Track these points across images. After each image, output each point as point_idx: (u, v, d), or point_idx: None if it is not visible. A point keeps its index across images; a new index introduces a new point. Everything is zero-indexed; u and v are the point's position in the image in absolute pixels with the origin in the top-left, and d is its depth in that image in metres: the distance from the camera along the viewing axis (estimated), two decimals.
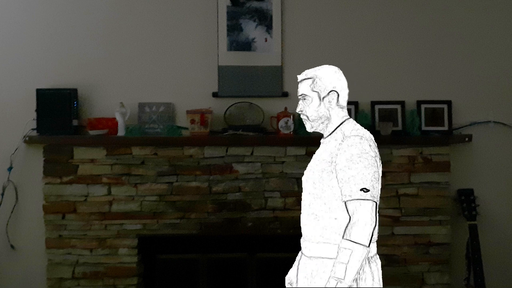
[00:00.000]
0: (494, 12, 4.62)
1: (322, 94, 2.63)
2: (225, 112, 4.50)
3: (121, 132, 4.41)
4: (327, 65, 2.73)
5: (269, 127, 4.45)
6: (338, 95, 2.63)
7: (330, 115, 2.61)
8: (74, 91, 4.43)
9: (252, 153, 4.38)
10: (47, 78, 4.49)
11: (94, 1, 4.55)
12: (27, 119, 4.44)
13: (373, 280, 2.52)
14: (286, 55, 4.56)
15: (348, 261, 2.36)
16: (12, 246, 4.51)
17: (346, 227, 2.40)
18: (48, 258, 4.39)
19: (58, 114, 4.37)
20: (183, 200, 4.39)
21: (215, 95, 4.53)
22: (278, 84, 4.53)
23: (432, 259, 4.44)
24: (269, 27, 4.55)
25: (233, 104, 4.51)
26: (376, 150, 2.53)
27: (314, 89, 2.64)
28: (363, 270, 2.47)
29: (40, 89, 4.39)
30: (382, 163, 4.35)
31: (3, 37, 4.53)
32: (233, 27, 4.54)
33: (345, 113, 2.65)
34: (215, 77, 4.53)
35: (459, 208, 4.50)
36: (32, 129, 4.45)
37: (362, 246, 2.38)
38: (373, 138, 2.56)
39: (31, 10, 4.53)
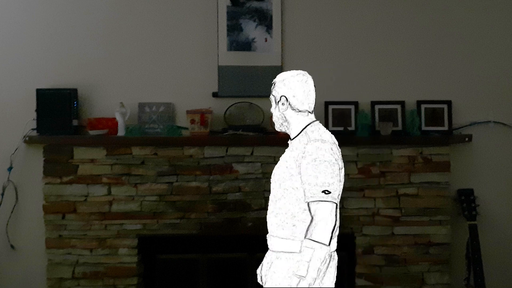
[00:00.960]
0: (494, 12, 4.63)
1: (276, 98, 2.77)
2: (225, 112, 4.50)
3: (121, 132, 4.41)
4: (293, 70, 2.81)
5: (269, 127, 4.45)
6: (288, 100, 2.73)
7: (286, 119, 2.75)
8: (74, 91, 4.43)
9: (252, 153, 4.39)
10: (47, 78, 4.49)
11: (94, 1, 4.55)
12: (27, 119, 4.44)
13: (330, 275, 2.66)
14: (286, 55, 4.56)
15: (310, 259, 2.47)
16: (12, 246, 4.51)
17: (309, 227, 2.53)
18: (48, 258, 4.39)
19: (58, 114, 4.37)
20: (183, 200, 4.39)
21: (215, 95, 4.53)
22: None
23: (432, 259, 4.44)
24: (269, 27, 4.55)
25: (233, 104, 4.51)
26: (339, 153, 2.67)
27: (272, 93, 2.79)
28: (328, 266, 2.59)
29: (40, 89, 4.39)
30: (382, 163, 4.39)
31: (3, 37, 4.53)
32: (233, 27, 4.55)
33: (307, 116, 2.74)
34: (215, 77, 4.53)
35: (459, 208, 4.50)
36: (32, 129, 4.45)
37: (323, 245, 2.49)
38: (336, 142, 2.70)
39: (31, 10, 4.53)
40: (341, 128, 4.49)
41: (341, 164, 2.68)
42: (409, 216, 4.44)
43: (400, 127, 4.53)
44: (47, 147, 4.37)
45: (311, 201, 2.54)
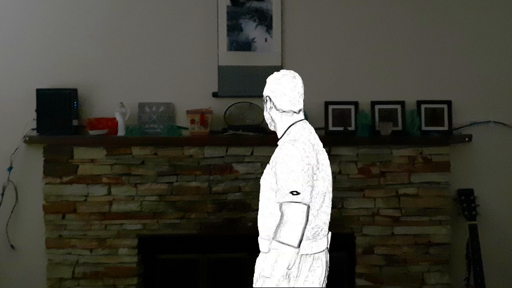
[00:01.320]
0: (494, 12, 4.63)
1: (264, 99, 2.81)
2: (225, 112, 4.50)
3: (121, 132, 4.41)
4: (282, 70, 2.86)
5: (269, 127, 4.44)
6: (271, 100, 2.76)
7: (273, 119, 2.78)
8: (74, 91, 4.43)
9: (252, 153, 4.39)
10: (47, 78, 4.49)
11: (94, 1, 4.55)
12: (27, 119, 4.44)
13: (314, 276, 2.68)
14: (286, 55, 4.56)
15: (276, 260, 2.48)
16: (12, 246, 4.51)
17: (276, 227, 2.52)
18: (48, 258, 4.39)
19: (58, 114, 4.37)
20: (183, 200, 4.39)
21: (215, 95, 4.53)
22: None
23: (432, 259, 4.44)
24: (269, 27, 4.55)
25: (233, 104, 4.51)
26: (313, 154, 2.63)
27: (263, 94, 2.83)
28: (299, 268, 2.60)
29: (40, 89, 4.39)
30: (382, 163, 4.38)
31: (3, 37, 4.53)
32: (233, 27, 4.54)
33: (291, 116, 2.77)
34: (215, 77, 4.53)
35: (459, 208, 4.50)
36: (32, 129, 4.45)
37: (289, 247, 2.47)
38: (315, 142, 2.70)
39: (31, 10, 4.53)
40: (341, 128, 4.50)
41: (325, 162, 2.71)
42: (409, 216, 4.44)
43: (400, 127, 4.52)
44: (47, 147, 4.37)
45: (281, 202, 2.52)
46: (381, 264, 4.45)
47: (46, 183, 4.37)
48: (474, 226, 4.40)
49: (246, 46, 4.56)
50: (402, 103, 4.56)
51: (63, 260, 4.38)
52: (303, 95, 2.84)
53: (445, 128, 4.54)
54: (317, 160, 2.63)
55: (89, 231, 4.38)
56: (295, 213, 2.49)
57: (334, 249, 4.48)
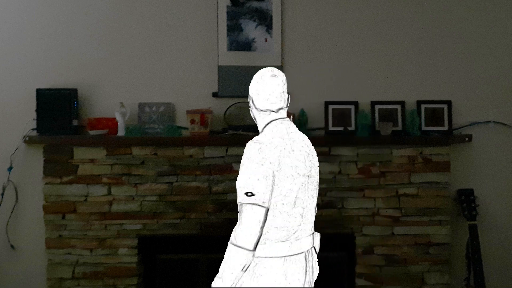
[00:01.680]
0: (494, 12, 4.63)
1: (248, 98, 2.80)
2: (225, 112, 4.50)
3: (121, 132, 4.41)
4: (261, 70, 2.81)
5: None
6: (252, 99, 2.76)
7: (255, 118, 2.79)
8: (74, 91, 4.43)
9: None
10: (47, 78, 4.49)
11: (94, 1, 4.55)
12: (27, 119, 4.44)
13: (287, 279, 2.59)
14: (286, 55, 4.57)
15: (225, 261, 2.50)
16: (12, 246, 4.51)
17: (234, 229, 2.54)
18: (48, 258, 4.39)
19: (58, 114, 4.37)
20: (183, 200, 4.39)
21: (215, 95, 4.53)
22: None
23: (432, 259, 4.44)
24: (269, 27, 4.55)
25: (233, 104, 4.51)
26: (273, 154, 2.55)
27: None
28: (253, 271, 2.56)
29: (40, 89, 4.39)
30: (382, 163, 4.37)
31: (3, 37, 4.53)
32: (233, 27, 4.54)
33: (269, 115, 2.73)
34: (215, 77, 4.53)
35: (459, 208, 4.50)
36: (32, 129, 4.45)
37: (239, 248, 2.47)
38: (277, 143, 2.59)
39: (31, 10, 4.53)
40: (341, 128, 4.50)
41: (298, 164, 2.61)
42: (409, 216, 4.44)
43: (400, 127, 4.52)
44: (47, 147, 4.37)
45: (238, 203, 2.53)
46: (381, 264, 4.45)
47: (46, 183, 4.37)
48: (474, 226, 4.40)
49: (246, 46, 4.56)
50: (402, 103, 4.56)
51: (63, 260, 4.38)
52: (284, 93, 2.75)
53: (445, 128, 4.54)
54: (279, 160, 2.55)
55: (89, 231, 4.38)
56: (247, 215, 2.49)
57: (334, 249, 4.54)
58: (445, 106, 4.56)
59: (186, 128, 4.46)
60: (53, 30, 4.53)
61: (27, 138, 4.40)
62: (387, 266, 4.45)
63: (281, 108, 2.74)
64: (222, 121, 4.50)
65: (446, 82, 4.61)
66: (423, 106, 4.56)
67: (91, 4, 4.54)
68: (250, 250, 2.48)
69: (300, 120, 4.46)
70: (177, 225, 4.40)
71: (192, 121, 4.39)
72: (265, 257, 2.57)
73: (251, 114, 2.82)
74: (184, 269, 4.56)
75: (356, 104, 4.54)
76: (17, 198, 4.51)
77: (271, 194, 2.53)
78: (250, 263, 2.52)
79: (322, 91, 4.56)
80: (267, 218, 2.53)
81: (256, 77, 2.76)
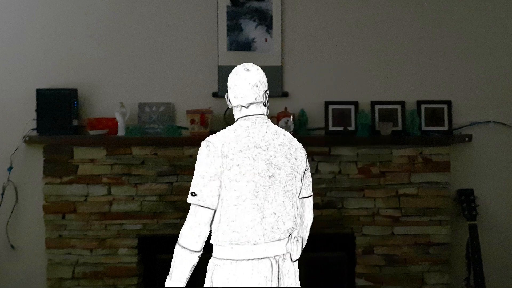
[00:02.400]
0: (494, 12, 4.63)
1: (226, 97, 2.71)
2: (225, 112, 4.50)
3: (121, 132, 4.41)
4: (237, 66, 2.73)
5: None
6: (227, 96, 2.68)
7: (234, 115, 2.67)
8: (74, 91, 4.43)
9: None
10: (47, 78, 4.49)
11: (94, 1, 4.55)
12: (27, 119, 4.44)
13: (211, 283, 2.52)
14: (286, 55, 4.56)
15: (174, 261, 2.50)
16: (12, 246, 4.51)
17: None
18: (48, 258, 4.39)
19: (58, 114, 4.37)
20: (183, 200, 4.33)
21: (215, 95, 4.53)
22: (278, 84, 4.53)
23: (432, 259, 4.44)
24: (269, 27, 4.55)
25: None
26: (222, 153, 2.46)
27: None
28: (213, 272, 2.52)
29: (40, 89, 4.39)
30: (382, 163, 4.36)
31: (3, 37, 4.53)
32: (233, 27, 4.54)
33: (240, 112, 2.62)
34: (215, 77, 4.53)
35: (459, 208, 4.50)
36: (32, 129, 4.45)
37: (183, 248, 2.47)
38: (227, 141, 2.49)
39: (31, 10, 4.53)
40: (341, 128, 4.50)
41: (245, 163, 2.46)
42: (409, 216, 4.44)
43: (400, 127, 4.52)
44: (47, 147, 4.37)
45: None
46: (381, 264, 4.45)
47: (46, 183, 4.37)
48: (474, 226, 4.40)
49: (246, 46, 4.56)
50: (402, 103, 4.56)
51: (63, 260, 4.38)
52: (257, 87, 2.62)
53: (445, 128, 4.54)
54: (228, 160, 2.45)
55: (89, 231, 4.38)
56: (190, 215, 2.47)
57: (334, 249, 4.54)
58: (445, 106, 4.56)
59: (186, 128, 4.46)
60: (53, 30, 4.53)
61: (27, 138, 4.40)
62: (387, 266, 4.45)
63: (251, 104, 2.60)
64: (222, 121, 4.49)
65: (446, 82, 4.61)
66: (423, 106, 4.56)
67: (91, 4, 4.54)
68: (193, 251, 2.46)
69: (300, 120, 4.46)
70: (177, 225, 4.38)
71: (192, 121, 4.39)
72: (219, 258, 2.51)
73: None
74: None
75: (356, 104, 4.54)
76: (17, 198, 4.51)
77: (218, 194, 2.46)
78: (195, 263, 2.50)
79: (322, 91, 4.56)
80: (219, 219, 2.47)
81: (232, 73, 2.68)
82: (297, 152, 2.62)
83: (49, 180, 4.37)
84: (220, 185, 2.46)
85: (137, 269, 4.42)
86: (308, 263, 4.46)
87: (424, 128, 4.54)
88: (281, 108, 4.46)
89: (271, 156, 2.52)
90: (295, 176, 2.58)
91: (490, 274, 4.44)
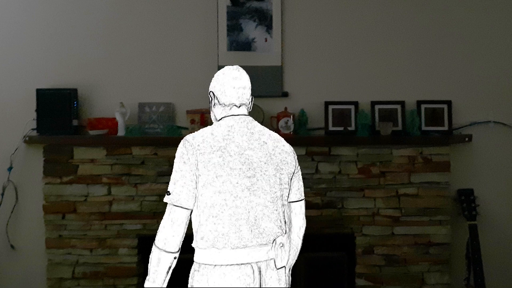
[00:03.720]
0: (494, 12, 4.63)
1: (210, 96, 2.68)
2: None
3: (121, 132, 4.41)
4: (225, 67, 2.72)
5: (269, 127, 4.43)
6: (214, 94, 2.64)
7: (215, 115, 2.62)
8: (74, 91, 4.43)
9: None
10: (47, 78, 4.49)
11: (94, 1, 4.55)
12: (27, 119, 4.44)
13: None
14: (286, 55, 4.57)
15: (150, 261, 2.46)
16: (12, 246, 4.51)
17: None
18: (48, 258, 4.39)
19: (58, 114, 4.37)
20: None
21: None
22: (278, 84, 4.54)
23: (432, 259, 4.44)
24: (269, 27, 4.55)
25: None
26: (199, 152, 2.41)
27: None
28: (192, 276, 2.48)
29: (40, 89, 4.39)
30: (382, 163, 4.36)
31: (3, 37, 4.53)
32: (233, 27, 4.55)
33: (226, 111, 2.57)
34: None
35: (459, 208, 4.50)
36: (32, 129, 4.45)
37: (157, 248, 2.44)
38: (204, 140, 2.44)
39: (31, 10, 4.53)
40: (341, 128, 4.50)
41: (223, 163, 2.39)
42: (409, 216, 4.44)
43: (400, 127, 4.52)
44: (47, 147, 4.37)
45: None
46: (381, 264, 4.45)
47: (46, 183, 4.37)
48: (474, 226, 4.40)
49: (246, 46, 4.56)
50: (402, 103, 4.56)
51: (63, 260, 4.38)
52: (246, 90, 2.65)
53: (445, 128, 4.54)
54: (204, 159, 2.39)
55: (89, 231, 4.38)
56: (165, 214, 2.45)
57: (334, 249, 4.54)
58: (445, 106, 4.56)
59: (186, 128, 4.46)
60: (53, 30, 4.53)
61: (27, 138, 4.40)
62: (387, 266, 4.45)
63: (242, 104, 2.58)
64: None
65: (446, 82, 4.61)
66: (423, 106, 4.56)
67: (91, 4, 4.54)
68: (168, 252, 2.43)
69: (300, 120, 4.46)
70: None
71: (192, 121, 4.39)
72: (199, 262, 2.47)
73: (210, 111, 2.68)
74: (184, 269, 4.55)
75: (356, 104, 4.54)
76: (17, 198, 4.51)
77: (194, 194, 2.41)
78: (171, 264, 2.47)
79: (322, 91, 4.56)
80: (199, 220, 2.43)
81: (218, 74, 2.69)
82: (284, 154, 2.54)
83: (49, 180, 4.37)
84: (196, 185, 2.41)
85: (137, 269, 4.42)
86: (308, 263, 4.50)
87: (424, 128, 4.54)
88: (281, 108, 4.46)
89: (251, 156, 2.45)
90: (279, 179, 2.49)
91: (490, 274, 4.44)
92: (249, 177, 2.41)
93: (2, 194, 4.48)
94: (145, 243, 4.44)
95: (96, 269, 4.38)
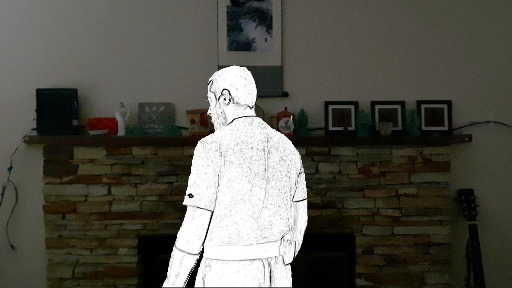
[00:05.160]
0: (494, 12, 4.63)
1: (217, 94, 2.69)
2: None
3: (121, 132, 4.41)
4: (232, 67, 2.74)
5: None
6: (230, 93, 2.65)
7: (225, 114, 2.66)
8: (74, 91, 4.43)
9: None
10: (47, 78, 4.49)
11: (94, 1, 4.55)
12: (27, 119, 4.44)
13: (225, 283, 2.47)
14: (286, 55, 4.57)
15: (171, 263, 2.48)
16: (12, 246, 4.51)
17: None
18: (48, 258, 4.39)
19: (58, 114, 4.38)
20: (183, 200, 4.38)
21: None
22: (278, 84, 4.54)
23: (432, 259, 4.44)
24: (269, 27, 4.55)
25: None
26: (217, 153, 2.45)
27: (211, 90, 2.73)
28: (204, 273, 2.50)
29: (40, 89, 4.39)
30: (382, 163, 4.37)
31: (3, 37, 4.53)
32: (233, 27, 4.55)
33: (239, 111, 2.64)
34: None
35: (459, 208, 4.50)
36: (32, 129, 4.45)
37: (179, 251, 2.45)
38: (223, 142, 2.48)
39: (31, 10, 4.53)
40: (341, 128, 4.50)
41: (240, 162, 2.44)
42: (409, 216, 4.44)
43: (400, 127, 4.52)
44: (47, 147, 4.37)
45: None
46: (381, 264, 4.45)
47: (46, 183, 4.37)
48: (474, 226, 4.39)
49: (246, 46, 4.56)
50: (402, 103, 4.56)
51: (63, 260, 4.38)
52: (255, 92, 2.76)
53: (445, 128, 4.54)
54: (223, 160, 2.44)
55: (89, 231, 4.38)
56: (187, 217, 2.47)
57: (334, 249, 4.54)
58: (445, 106, 4.56)
59: (186, 128, 4.46)
60: (53, 30, 4.53)
61: (27, 138, 4.40)
62: (387, 266, 4.45)
63: (254, 106, 2.71)
64: None
65: (446, 82, 4.61)
66: (423, 106, 4.56)
67: (91, 4, 4.54)
68: (192, 254, 2.45)
69: (300, 120, 4.46)
70: (177, 225, 4.33)
71: (192, 121, 4.39)
72: (211, 258, 2.49)
73: (216, 110, 2.71)
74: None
75: (356, 104, 4.54)
76: (17, 198, 4.51)
77: (216, 195, 2.44)
78: (194, 266, 2.49)
79: (322, 91, 4.56)
80: (213, 219, 2.46)
81: (230, 70, 2.73)
82: (292, 155, 2.62)
83: (49, 180, 4.37)
84: (218, 186, 2.45)
85: (137, 269, 4.42)
86: (308, 263, 4.50)
87: (424, 128, 4.54)
88: (281, 108, 4.46)
89: (267, 158, 2.52)
90: (289, 179, 2.57)
91: (490, 274, 4.44)
92: (265, 178, 2.48)
93: (2, 194, 4.48)
94: (145, 243, 4.45)
95: (96, 269, 4.38)
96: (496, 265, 4.54)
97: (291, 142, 2.69)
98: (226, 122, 2.65)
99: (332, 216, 4.42)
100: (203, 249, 2.49)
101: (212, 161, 2.45)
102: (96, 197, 4.38)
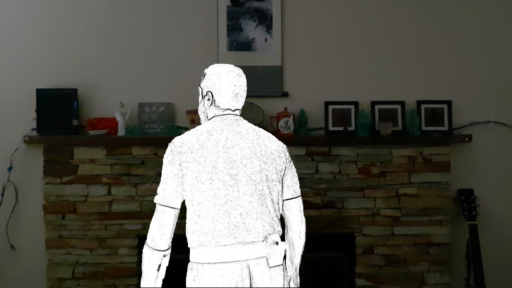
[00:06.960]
0: (494, 12, 4.63)
1: (204, 91, 2.61)
2: None
3: (121, 132, 4.41)
4: (223, 64, 2.66)
5: (269, 127, 4.45)
6: (213, 96, 2.57)
7: (207, 113, 2.61)
8: (74, 91, 4.43)
9: None
10: (47, 78, 4.49)
11: (94, 1, 4.55)
12: (27, 119, 4.44)
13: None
14: (286, 55, 4.57)
15: (142, 258, 2.56)
16: (12, 246, 4.51)
17: None
18: (48, 258, 4.39)
19: (58, 114, 4.38)
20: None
21: None
22: (278, 84, 4.54)
23: (432, 259, 4.44)
24: (269, 27, 4.55)
25: None
26: (182, 153, 2.46)
27: (200, 85, 2.64)
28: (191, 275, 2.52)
29: (40, 89, 4.39)
30: (382, 163, 4.37)
31: (3, 37, 4.53)
32: (233, 27, 4.55)
33: (219, 112, 2.57)
34: None
35: (459, 208, 4.50)
36: (32, 129, 4.45)
37: (147, 246, 2.53)
38: (188, 141, 2.48)
39: (31, 10, 4.53)
40: (341, 128, 4.50)
41: (207, 162, 2.42)
42: (409, 216, 4.44)
43: (400, 127, 4.53)
44: (47, 147, 4.37)
45: None
46: (381, 264, 4.45)
47: (46, 183, 4.37)
48: (474, 226, 4.40)
49: (246, 46, 4.56)
50: (402, 103, 4.56)
51: (63, 260, 4.38)
52: (242, 95, 2.67)
53: (445, 128, 4.54)
54: (189, 159, 2.44)
55: (89, 231, 4.38)
56: (154, 214, 2.52)
57: (334, 249, 4.54)
58: (445, 106, 4.56)
59: (186, 128, 4.46)
60: (53, 30, 4.53)
61: (27, 138, 4.40)
62: (387, 266, 4.45)
63: (238, 109, 2.65)
64: None
65: (446, 82, 4.61)
66: (423, 106, 4.56)
67: (91, 4, 4.54)
68: (157, 250, 2.50)
69: (300, 120, 4.46)
70: (177, 225, 4.36)
71: (192, 121, 4.39)
72: (191, 261, 2.53)
73: (200, 106, 2.63)
74: (184, 269, 4.55)
75: (356, 104, 4.54)
76: (17, 198, 4.51)
77: (181, 193, 2.50)
78: (162, 262, 2.56)
79: (322, 91, 4.56)
80: (189, 219, 2.51)
81: (220, 73, 2.58)
82: (272, 150, 2.53)
83: (49, 180, 4.37)
84: (182, 185, 2.49)
85: (137, 269, 4.42)
86: (308, 263, 4.50)
87: (424, 128, 4.54)
88: (281, 108, 4.46)
89: (235, 154, 2.45)
90: (265, 175, 2.47)
91: (490, 274, 4.44)
92: (231, 174, 2.43)
93: (2, 194, 4.48)
94: None
95: (96, 269, 4.38)
96: (496, 265, 4.54)
97: (274, 138, 2.60)
98: (207, 118, 2.62)
99: (332, 216, 4.42)
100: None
101: (174, 159, 2.49)
102: (96, 197, 4.38)
